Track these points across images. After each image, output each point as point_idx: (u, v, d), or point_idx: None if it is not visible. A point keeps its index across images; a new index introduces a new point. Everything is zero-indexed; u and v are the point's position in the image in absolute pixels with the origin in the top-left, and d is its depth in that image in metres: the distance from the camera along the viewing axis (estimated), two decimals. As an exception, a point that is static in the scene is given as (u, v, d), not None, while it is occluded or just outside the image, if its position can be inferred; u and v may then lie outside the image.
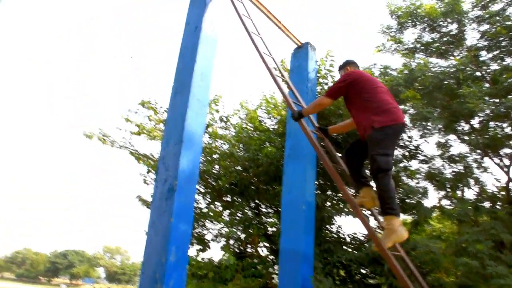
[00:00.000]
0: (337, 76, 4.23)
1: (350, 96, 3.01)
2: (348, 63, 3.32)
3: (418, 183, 5.21)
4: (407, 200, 4.90)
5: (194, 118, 3.48)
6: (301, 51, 5.34)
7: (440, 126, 5.24)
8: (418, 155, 5.41)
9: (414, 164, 5.40)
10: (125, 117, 6.45)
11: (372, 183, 2.86)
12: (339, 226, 5.31)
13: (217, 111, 6.93)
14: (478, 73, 5.35)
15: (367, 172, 2.98)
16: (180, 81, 3.72)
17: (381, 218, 2.98)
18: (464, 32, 5.72)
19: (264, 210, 6.41)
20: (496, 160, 5.06)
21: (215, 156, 6.53)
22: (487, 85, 5.21)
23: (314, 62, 5.29)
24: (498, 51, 5.33)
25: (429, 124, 5.19)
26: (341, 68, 3.35)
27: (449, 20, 5.80)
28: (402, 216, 5.32)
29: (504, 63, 5.27)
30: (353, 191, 3.67)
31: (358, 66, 3.33)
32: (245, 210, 6.29)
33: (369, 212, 3.22)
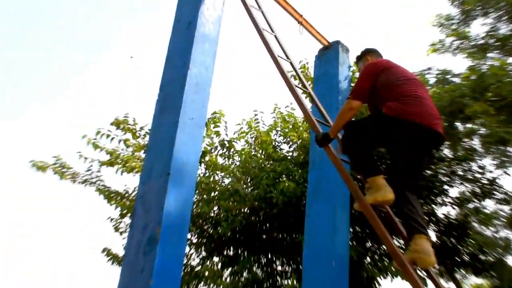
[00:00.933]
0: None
1: (373, 91, 3.17)
2: (369, 52, 3.45)
3: (496, 232, 5.14)
4: (481, 257, 4.85)
5: (185, 143, 3.51)
6: (329, 53, 5.44)
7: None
8: (494, 192, 5.37)
9: (489, 205, 5.38)
10: (92, 141, 6.50)
11: (429, 231, 3.05)
12: (385, 292, 5.29)
13: (217, 133, 7.08)
14: None
15: (418, 212, 2.93)
16: (167, 94, 3.77)
17: (442, 281, 3.04)
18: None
19: (279, 268, 6.39)
20: None
21: (213, 194, 6.62)
22: None
23: (346, 68, 5.38)
24: None
25: (509, 149, 5.13)
26: (359, 59, 3.49)
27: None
28: (475, 280, 5.23)
29: None
30: (401, 242, 3.73)
31: (380, 55, 3.47)
32: (254, 269, 6.27)
33: (425, 273, 3.21)
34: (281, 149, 7.51)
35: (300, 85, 4.04)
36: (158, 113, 3.81)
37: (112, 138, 6.61)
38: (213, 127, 7.07)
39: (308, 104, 3.96)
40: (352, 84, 5.75)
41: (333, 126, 3.29)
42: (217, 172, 6.98)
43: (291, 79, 3.77)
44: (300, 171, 6.41)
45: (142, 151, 6.84)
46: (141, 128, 6.98)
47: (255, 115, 7.73)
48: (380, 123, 3.03)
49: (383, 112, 2.98)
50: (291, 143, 7.20)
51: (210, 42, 4.00)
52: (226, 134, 7.23)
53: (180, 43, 3.99)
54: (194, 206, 6.48)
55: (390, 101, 3.01)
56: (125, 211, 6.49)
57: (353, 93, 3.21)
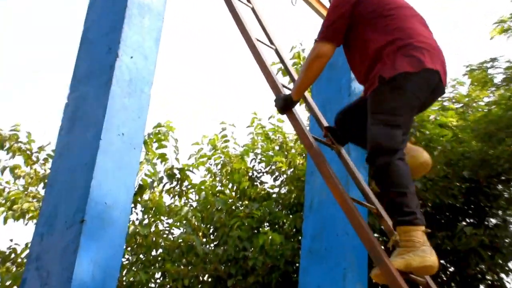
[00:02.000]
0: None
1: (353, 30, 3.38)
2: None
3: None
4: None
5: (111, 173, 3.53)
6: None
7: None
8: None
9: None
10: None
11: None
12: None
13: (162, 157, 7.05)
14: None
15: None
16: (82, 96, 3.83)
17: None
18: None
19: None
20: None
21: (155, 252, 6.62)
22: None
23: None
24: None
25: None
26: None
27: None
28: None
29: None
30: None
31: None
32: None
33: None
34: (262, 183, 7.65)
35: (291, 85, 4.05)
36: (67, 126, 3.81)
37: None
38: (157, 148, 7.02)
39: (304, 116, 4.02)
40: None
41: (296, 84, 3.53)
42: (162, 218, 6.98)
43: (276, 75, 3.81)
44: (291, 217, 6.40)
45: (41, 184, 6.82)
46: (40, 149, 6.94)
47: (223, 129, 7.83)
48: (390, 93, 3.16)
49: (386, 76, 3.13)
50: (277, 173, 7.20)
51: (152, 15, 4.02)
52: (176, 159, 7.22)
53: (103, 16, 4.01)
54: (124, 273, 6.45)
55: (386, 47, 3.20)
56: (9, 283, 6.23)
57: (322, 33, 3.38)
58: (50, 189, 3.67)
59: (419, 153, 3.36)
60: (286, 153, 7.10)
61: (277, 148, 7.46)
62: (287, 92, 3.65)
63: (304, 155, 6.81)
